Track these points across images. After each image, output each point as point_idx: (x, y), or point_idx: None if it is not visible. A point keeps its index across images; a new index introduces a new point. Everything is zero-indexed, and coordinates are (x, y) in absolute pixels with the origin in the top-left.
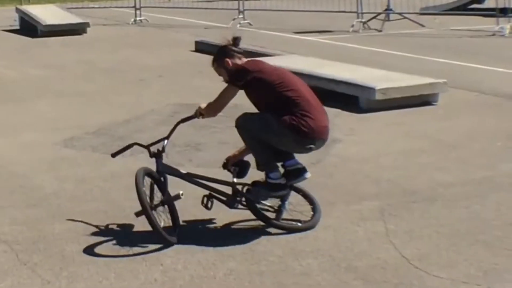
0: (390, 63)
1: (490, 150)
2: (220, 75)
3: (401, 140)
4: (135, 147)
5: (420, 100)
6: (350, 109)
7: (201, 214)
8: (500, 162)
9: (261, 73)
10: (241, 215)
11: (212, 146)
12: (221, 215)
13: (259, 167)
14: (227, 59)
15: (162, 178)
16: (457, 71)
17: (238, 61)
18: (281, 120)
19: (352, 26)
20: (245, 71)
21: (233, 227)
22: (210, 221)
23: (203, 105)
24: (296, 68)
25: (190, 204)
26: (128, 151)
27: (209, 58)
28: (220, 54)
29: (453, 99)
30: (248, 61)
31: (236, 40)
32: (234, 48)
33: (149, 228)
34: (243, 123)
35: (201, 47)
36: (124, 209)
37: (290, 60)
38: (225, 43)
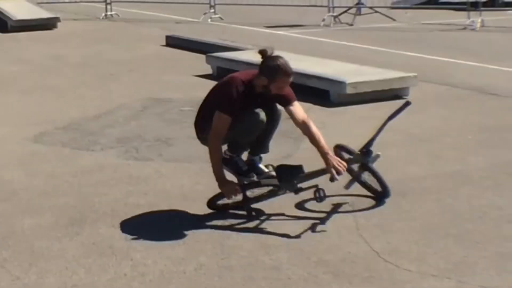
0: (361, 57)
1: (461, 143)
2: None
3: (372, 133)
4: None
5: (391, 94)
6: (321, 103)
7: (172, 209)
8: (470, 155)
9: None
10: (210, 210)
11: (182, 140)
12: (192, 209)
13: None
14: None
15: None
16: (428, 65)
17: None
18: None
19: (323, 20)
20: None
21: (202, 222)
22: (180, 215)
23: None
24: None
25: (159, 199)
26: (98, 146)
27: (179, 53)
28: None
29: (423, 92)
30: None
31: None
32: None
33: (118, 224)
34: None
35: (172, 42)
36: (94, 204)
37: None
38: None
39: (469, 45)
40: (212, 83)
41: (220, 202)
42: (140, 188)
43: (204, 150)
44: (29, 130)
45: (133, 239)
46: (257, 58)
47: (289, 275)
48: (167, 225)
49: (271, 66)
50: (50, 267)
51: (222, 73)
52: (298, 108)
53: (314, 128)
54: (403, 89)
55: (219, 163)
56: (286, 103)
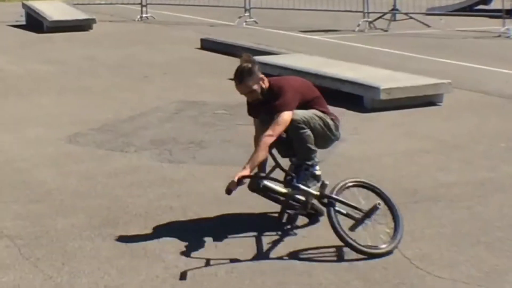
0: (395, 63)
1: (493, 151)
2: None
3: (404, 140)
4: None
5: (424, 100)
6: (354, 108)
7: (203, 212)
8: (503, 163)
9: None
10: (242, 214)
11: (216, 143)
12: (224, 212)
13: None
14: None
15: None
16: (462, 72)
17: None
18: None
19: (358, 25)
20: None
21: (234, 225)
22: (212, 218)
23: None
24: (301, 67)
25: (192, 202)
26: (132, 148)
27: (214, 56)
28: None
29: (457, 99)
30: None
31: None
32: None
33: (151, 225)
34: None
35: (206, 45)
36: (127, 206)
37: (295, 58)
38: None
39: (504, 53)
40: None
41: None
42: (173, 190)
43: (237, 153)
44: (63, 130)
45: (165, 241)
46: (291, 63)
47: (320, 280)
48: (200, 228)
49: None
50: (82, 267)
51: None
52: (274, 121)
53: (258, 147)
54: (437, 96)
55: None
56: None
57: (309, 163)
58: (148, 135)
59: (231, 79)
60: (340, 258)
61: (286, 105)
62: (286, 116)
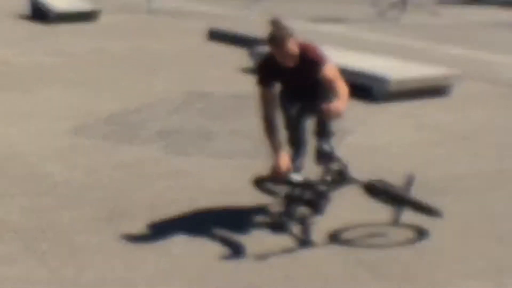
0: (406, 53)
1: (503, 143)
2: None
3: (414, 131)
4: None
5: (435, 90)
6: (363, 99)
7: (210, 204)
8: None
9: None
10: (250, 206)
11: (223, 135)
12: (232, 205)
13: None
14: None
15: None
16: (473, 62)
17: None
18: None
19: (368, 14)
20: None
21: (242, 218)
22: (220, 211)
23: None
24: None
25: (199, 194)
26: (139, 140)
27: (222, 46)
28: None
29: (467, 90)
30: None
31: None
32: None
33: (158, 218)
34: None
35: (215, 36)
36: (134, 198)
37: None
38: None
39: None
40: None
41: (268, 186)
42: (180, 182)
43: (245, 145)
44: (70, 122)
45: (172, 234)
46: None
47: (328, 274)
48: (207, 221)
49: (268, 34)
50: (89, 261)
51: None
52: (328, 71)
53: (340, 85)
54: (447, 86)
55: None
56: (315, 69)
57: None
58: (155, 127)
59: (240, 69)
60: (347, 251)
61: (325, 57)
62: (333, 67)
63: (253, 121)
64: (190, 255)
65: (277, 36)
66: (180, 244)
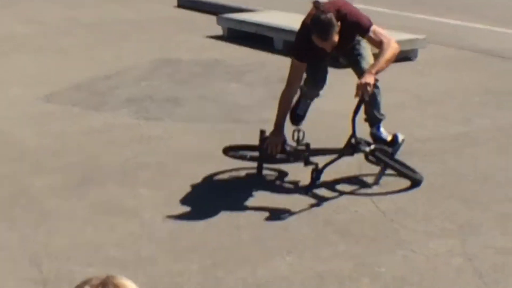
0: (372, 19)
1: (467, 105)
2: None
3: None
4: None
5: (400, 56)
6: (329, 64)
7: (180, 168)
8: (477, 117)
9: None
10: (219, 170)
11: (192, 101)
12: (201, 169)
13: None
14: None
15: None
16: (438, 28)
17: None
18: None
19: None
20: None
21: (212, 181)
22: (189, 175)
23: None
24: (276, 23)
25: (168, 159)
26: (108, 106)
27: (191, 14)
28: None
29: (432, 55)
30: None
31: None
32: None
33: (127, 183)
34: None
35: (183, 3)
36: (104, 163)
37: (271, 15)
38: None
39: (479, 8)
40: (223, 44)
41: (237, 153)
42: (150, 148)
43: (213, 110)
44: (41, 90)
45: (142, 198)
46: (267, 19)
47: (297, 235)
48: (176, 185)
49: (312, 20)
50: (59, 227)
51: (233, 35)
52: (375, 35)
53: (383, 51)
54: (412, 51)
55: (280, 112)
56: (362, 33)
57: None
58: (125, 94)
59: (208, 37)
60: (316, 212)
61: (368, 21)
62: (377, 27)
63: (221, 86)
64: (160, 219)
65: (324, 31)
66: (150, 208)
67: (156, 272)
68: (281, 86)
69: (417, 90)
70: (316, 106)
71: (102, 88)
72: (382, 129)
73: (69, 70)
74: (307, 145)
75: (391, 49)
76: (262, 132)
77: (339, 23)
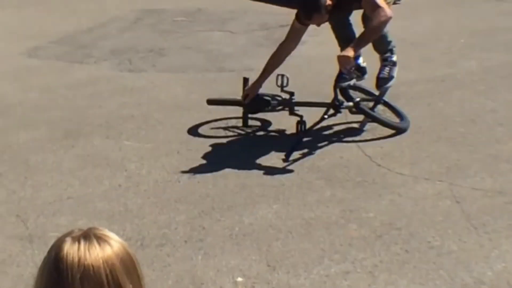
0: None
1: (453, 48)
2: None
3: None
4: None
5: None
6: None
7: (165, 119)
8: (462, 59)
9: None
10: (203, 119)
11: (175, 51)
12: (186, 119)
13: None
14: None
15: None
16: None
17: None
18: None
19: None
20: None
21: (196, 131)
22: (174, 125)
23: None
24: None
25: (153, 109)
26: (92, 59)
27: None
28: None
29: None
30: None
31: None
32: None
33: (112, 135)
34: None
35: None
36: (89, 116)
37: None
38: None
39: None
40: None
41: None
42: (134, 99)
43: (197, 59)
44: (23, 44)
45: (127, 150)
46: None
47: (283, 181)
48: (161, 135)
49: None
50: (45, 180)
51: None
52: (367, 1)
53: (370, 24)
54: None
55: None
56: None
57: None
58: (108, 46)
59: None
60: (301, 159)
61: None
62: None
63: (204, 35)
64: (145, 170)
65: (308, 11)
66: (135, 159)
67: (143, 224)
68: (263, 34)
69: (402, 33)
70: (301, 53)
71: (85, 40)
72: (361, 59)
73: (51, 23)
74: (292, 93)
75: (379, 21)
76: (246, 80)
77: (329, 2)
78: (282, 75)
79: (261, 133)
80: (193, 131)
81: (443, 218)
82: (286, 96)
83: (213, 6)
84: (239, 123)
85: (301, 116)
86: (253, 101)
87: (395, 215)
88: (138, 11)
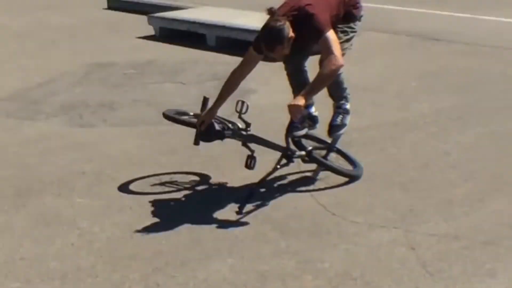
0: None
1: (404, 91)
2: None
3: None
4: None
5: None
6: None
7: (116, 174)
8: (414, 102)
9: None
10: (155, 173)
11: (126, 104)
12: (137, 173)
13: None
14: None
15: None
16: (371, 13)
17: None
18: None
19: None
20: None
21: (148, 186)
22: (125, 180)
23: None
24: (209, 20)
25: (104, 165)
26: (43, 115)
27: (121, 15)
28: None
29: (366, 41)
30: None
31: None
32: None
33: (64, 192)
34: None
35: (113, 5)
36: (40, 174)
37: (202, 12)
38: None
39: None
40: (155, 44)
41: (177, 116)
42: (85, 155)
43: (149, 112)
44: None
45: (79, 207)
46: (198, 16)
47: (237, 234)
48: (114, 191)
49: (262, 28)
50: None
51: (165, 34)
52: (323, 46)
53: (320, 71)
54: None
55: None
56: (316, 37)
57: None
58: (58, 101)
59: (140, 37)
60: (254, 210)
61: (325, 26)
62: (332, 35)
63: (154, 88)
64: (98, 228)
65: (270, 43)
66: (88, 216)
67: (97, 283)
68: (215, 84)
69: (353, 79)
70: (253, 103)
71: (35, 96)
72: (313, 108)
73: (0, 80)
74: (248, 124)
75: (330, 70)
76: (205, 99)
77: (292, 34)
78: (243, 102)
79: (211, 182)
80: (145, 185)
81: (399, 265)
82: (243, 125)
83: (164, 57)
84: (191, 176)
85: (252, 151)
86: (207, 129)
87: (350, 265)
88: (87, 65)
